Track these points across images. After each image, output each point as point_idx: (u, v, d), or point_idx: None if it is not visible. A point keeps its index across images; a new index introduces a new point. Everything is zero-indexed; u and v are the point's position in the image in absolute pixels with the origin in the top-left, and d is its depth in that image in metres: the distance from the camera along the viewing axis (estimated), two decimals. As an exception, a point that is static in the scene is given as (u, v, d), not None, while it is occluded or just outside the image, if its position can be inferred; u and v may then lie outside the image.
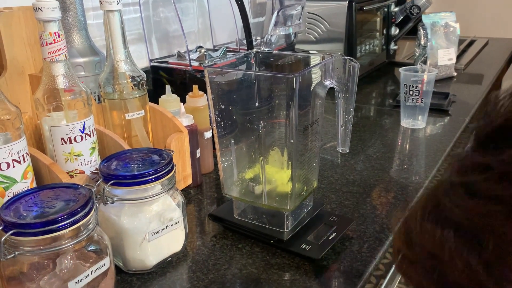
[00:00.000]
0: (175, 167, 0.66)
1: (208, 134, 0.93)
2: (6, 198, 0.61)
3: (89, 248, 0.56)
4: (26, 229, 0.50)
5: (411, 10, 1.74)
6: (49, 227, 0.50)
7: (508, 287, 0.29)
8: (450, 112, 1.29)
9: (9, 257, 0.50)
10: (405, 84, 1.16)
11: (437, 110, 1.28)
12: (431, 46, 1.58)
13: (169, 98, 0.89)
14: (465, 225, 0.31)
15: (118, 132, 0.81)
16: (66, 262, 0.53)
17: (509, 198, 0.28)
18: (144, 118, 0.82)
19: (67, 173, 0.69)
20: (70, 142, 0.69)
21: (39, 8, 0.62)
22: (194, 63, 1.10)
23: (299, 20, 1.30)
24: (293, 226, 0.71)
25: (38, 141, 0.77)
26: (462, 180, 0.32)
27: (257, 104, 0.68)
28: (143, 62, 1.20)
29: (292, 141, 0.64)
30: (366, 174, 0.93)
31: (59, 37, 0.64)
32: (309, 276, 0.64)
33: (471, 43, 2.17)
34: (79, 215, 0.52)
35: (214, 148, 0.80)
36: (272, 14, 1.21)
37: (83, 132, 0.69)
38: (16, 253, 0.50)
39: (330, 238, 0.69)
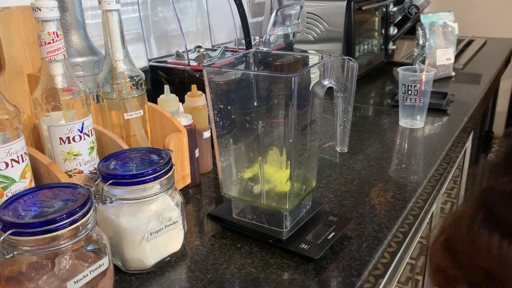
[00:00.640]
0: (173, 167, 0.66)
1: (207, 134, 0.93)
2: (5, 198, 0.60)
3: (88, 248, 0.56)
4: (25, 228, 0.50)
5: (409, 10, 1.74)
6: (48, 227, 0.50)
7: None
8: (449, 111, 1.30)
9: (7, 256, 0.50)
10: (403, 84, 1.16)
11: (435, 110, 1.28)
12: (430, 45, 1.58)
13: (167, 98, 0.89)
14: None
15: (117, 132, 0.81)
16: (64, 261, 0.53)
17: None
18: (142, 117, 0.82)
19: (66, 172, 0.69)
20: (69, 142, 0.68)
21: (37, 7, 0.62)
22: (193, 63, 1.10)
23: (298, 20, 1.30)
24: (292, 225, 0.71)
25: (36, 141, 0.77)
26: None
27: (255, 103, 0.68)
28: (141, 62, 1.20)
29: (290, 140, 0.64)
30: (364, 173, 0.93)
31: (57, 36, 0.64)
32: (308, 276, 0.64)
33: (470, 42, 2.17)
34: (77, 214, 0.52)
35: (213, 147, 0.80)
36: (271, 13, 1.22)
37: (81, 131, 0.69)
38: (14, 252, 0.50)
39: (328, 237, 0.69)
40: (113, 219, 0.63)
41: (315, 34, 1.56)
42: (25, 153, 0.63)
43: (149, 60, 1.17)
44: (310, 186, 0.74)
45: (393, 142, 1.11)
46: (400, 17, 1.79)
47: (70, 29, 0.86)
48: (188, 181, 0.86)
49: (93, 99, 0.87)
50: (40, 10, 0.62)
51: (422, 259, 1.31)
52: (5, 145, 0.60)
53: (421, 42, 1.62)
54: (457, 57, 1.81)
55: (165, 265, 0.67)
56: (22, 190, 0.61)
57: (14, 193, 0.61)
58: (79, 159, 0.70)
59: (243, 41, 1.14)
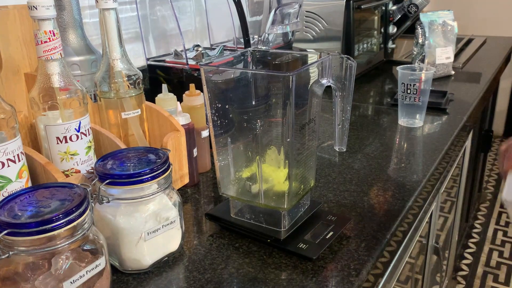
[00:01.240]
0: (171, 166, 0.66)
1: (205, 133, 0.92)
2: (1, 198, 0.60)
3: (85, 248, 0.55)
4: (21, 228, 0.49)
5: (409, 9, 1.74)
6: (44, 227, 0.49)
7: None
8: (448, 110, 1.29)
9: (3, 257, 0.50)
10: (402, 83, 1.16)
11: (434, 109, 1.28)
12: (429, 44, 1.58)
13: (165, 97, 0.89)
14: None
15: (114, 131, 0.80)
16: (61, 262, 0.52)
17: None
18: (140, 117, 0.82)
19: (63, 172, 0.69)
20: (66, 141, 0.68)
21: (33, 6, 0.62)
22: (191, 62, 1.09)
23: (297, 18, 1.29)
24: (290, 225, 0.70)
25: (33, 140, 0.77)
26: None
27: (254, 102, 0.68)
28: (140, 61, 1.20)
29: (289, 140, 0.64)
30: (363, 173, 0.93)
31: (54, 35, 0.64)
32: (306, 276, 0.63)
33: (469, 41, 2.17)
34: (74, 214, 0.52)
35: (211, 147, 0.80)
36: (270, 12, 1.21)
37: (78, 131, 0.69)
38: (10, 253, 0.50)
39: (327, 237, 0.69)
40: (110, 219, 0.62)
41: (314, 33, 1.56)
42: (21, 152, 0.63)
43: (148, 59, 1.17)
44: (308, 186, 0.73)
45: (392, 141, 1.11)
46: (399, 16, 1.78)
47: (67, 28, 0.86)
48: (186, 180, 0.86)
49: (91, 98, 0.86)
50: (36, 8, 0.62)
51: (421, 258, 1.30)
52: (1, 145, 0.59)
53: (420, 41, 1.62)
54: (456, 56, 1.81)
55: (162, 265, 0.67)
56: (18, 190, 0.61)
57: (11, 193, 0.61)
58: (76, 158, 0.70)
59: (242, 40, 1.14)
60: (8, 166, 0.61)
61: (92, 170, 0.71)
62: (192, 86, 0.91)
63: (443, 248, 1.61)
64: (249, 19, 1.38)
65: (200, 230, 0.76)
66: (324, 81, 0.69)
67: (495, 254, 2.26)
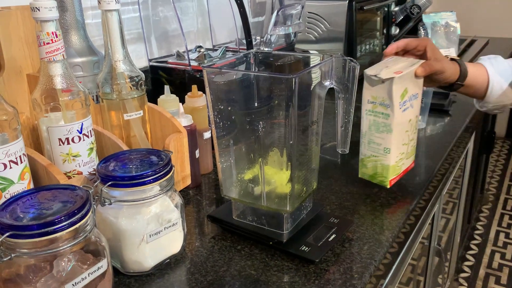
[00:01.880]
0: (173, 168, 0.66)
1: (207, 135, 0.92)
2: (3, 200, 0.60)
3: (87, 250, 0.55)
4: (23, 231, 0.49)
5: (411, 10, 1.74)
6: (46, 229, 0.49)
7: None
8: (451, 112, 1.29)
9: (5, 259, 0.50)
10: (405, 84, 1.15)
11: (437, 110, 1.28)
12: (432, 45, 1.57)
13: (168, 98, 0.88)
14: None
15: (117, 133, 0.80)
16: (63, 264, 0.52)
17: None
18: (142, 118, 0.81)
19: (65, 174, 0.68)
20: (68, 143, 0.68)
21: (36, 7, 0.62)
22: (193, 63, 1.09)
23: (299, 19, 1.29)
24: (293, 227, 0.70)
25: (35, 142, 0.77)
26: None
27: (256, 104, 0.68)
28: (142, 62, 1.20)
29: (291, 142, 0.63)
30: (366, 174, 0.93)
31: (56, 37, 0.64)
32: (308, 278, 0.63)
33: (472, 42, 2.16)
34: (76, 216, 0.52)
35: (213, 148, 0.80)
36: (272, 13, 1.21)
37: (81, 132, 0.69)
38: (12, 255, 0.50)
39: (329, 239, 0.69)
40: (112, 221, 0.62)
41: (316, 34, 1.55)
42: (23, 154, 0.63)
43: (150, 60, 1.17)
44: (311, 188, 0.73)
45: (395, 143, 1.10)
46: (402, 17, 1.78)
47: (70, 29, 0.86)
48: (188, 182, 0.86)
49: (93, 99, 0.86)
50: (39, 10, 0.62)
51: (423, 259, 1.30)
52: (3, 146, 0.59)
53: (423, 42, 1.61)
54: (459, 57, 1.80)
55: (164, 267, 0.67)
56: (20, 191, 0.61)
57: (13, 194, 0.61)
58: (78, 160, 0.70)
59: (244, 41, 1.13)
60: (10, 167, 0.61)
61: (94, 172, 0.71)
62: (194, 87, 0.91)
63: (445, 250, 1.61)
64: (251, 20, 1.38)
65: (202, 232, 0.76)
66: (327, 83, 0.69)
67: (497, 256, 2.25)
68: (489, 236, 2.41)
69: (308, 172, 0.71)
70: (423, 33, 1.61)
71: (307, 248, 0.67)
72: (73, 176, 0.70)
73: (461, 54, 1.90)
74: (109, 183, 0.61)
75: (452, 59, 0.91)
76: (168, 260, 0.67)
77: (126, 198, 0.62)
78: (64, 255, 0.52)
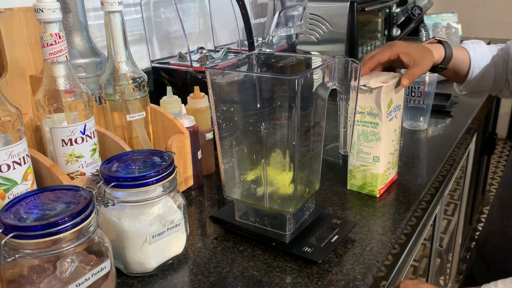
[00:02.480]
0: (176, 169, 0.66)
1: (209, 136, 0.92)
2: (7, 200, 0.60)
3: (90, 251, 0.55)
4: (27, 231, 0.49)
5: (412, 11, 1.74)
6: (50, 230, 0.49)
7: None
8: (452, 113, 1.29)
9: (9, 260, 0.50)
10: (407, 85, 1.15)
11: (439, 112, 1.28)
12: (433, 47, 1.57)
13: (170, 99, 0.89)
14: None
15: (119, 134, 0.80)
16: (66, 265, 0.52)
17: None
18: (145, 119, 0.82)
19: (68, 175, 0.69)
20: (71, 144, 0.68)
21: (39, 9, 0.62)
22: (195, 64, 1.09)
23: (301, 21, 1.29)
24: (295, 228, 0.70)
25: (38, 143, 0.77)
26: None
27: (258, 105, 0.68)
28: (144, 63, 1.20)
29: (294, 143, 0.63)
30: (368, 175, 0.93)
31: (60, 38, 0.64)
32: (311, 279, 0.63)
33: (473, 44, 2.16)
34: (79, 217, 0.52)
35: (215, 149, 0.80)
36: (274, 15, 1.21)
37: (84, 133, 0.69)
38: (16, 256, 0.50)
39: (332, 240, 0.69)
40: (115, 222, 0.62)
41: (318, 35, 1.56)
42: (27, 155, 0.63)
43: (152, 62, 1.17)
44: (313, 189, 0.73)
45: (397, 144, 1.10)
46: (403, 18, 1.78)
47: (73, 31, 0.86)
48: (191, 183, 0.86)
49: (96, 100, 0.87)
50: (42, 11, 0.62)
51: (425, 261, 1.30)
52: (7, 147, 0.59)
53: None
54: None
55: (167, 268, 0.67)
56: (24, 192, 0.61)
57: (16, 195, 0.61)
58: (81, 161, 0.70)
59: (246, 42, 1.14)
60: (14, 168, 0.61)
61: (97, 173, 0.71)
62: (196, 88, 0.91)
63: (446, 251, 1.61)
64: (253, 21, 1.38)
65: (205, 233, 0.76)
66: (329, 84, 0.69)
67: (498, 257, 2.24)
68: (491, 238, 2.40)
69: (310, 173, 0.71)
70: (424, 34, 1.61)
71: (309, 249, 0.67)
72: (76, 177, 0.70)
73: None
74: (112, 184, 0.61)
75: (439, 41, 0.91)
76: (171, 261, 0.67)
77: (129, 199, 0.62)
78: (67, 256, 0.52)
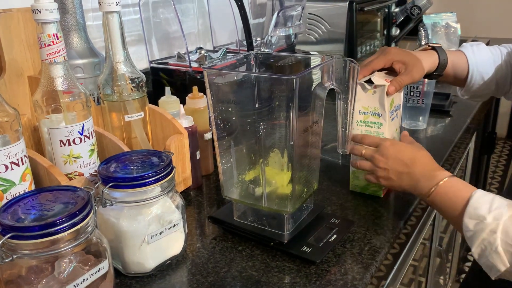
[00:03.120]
0: (174, 169, 0.66)
1: (208, 136, 0.92)
2: (5, 201, 0.60)
3: (88, 251, 0.55)
4: (24, 232, 0.49)
5: (411, 11, 1.74)
6: (48, 230, 0.49)
7: None
8: (451, 113, 1.29)
9: (7, 260, 0.50)
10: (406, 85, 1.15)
11: (438, 111, 1.28)
12: (432, 46, 1.57)
13: (168, 100, 0.89)
14: None
15: (118, 134, 0.80)
16: (64, 265, 0.52)
17: None
18: (143, 119, 0.82)
19: (66, 175, 0.69)
20: (69, 144, 0.68)
21: (37, 9, 0.62)
22: (194, 64, 1.09)
23: (300, 21, 1.29)
24: (294, 228, 0.70)
25: (37, 143, 0.77)
26: None
27: (257, 105, 0.68)
28: (143, 64, 1.20)
29: (292, 142, 0.63)
30: (367, 175, 0.93)
31: (57, 38, 0.64)
32: (310, 279, 0.63)
33: (472, 43, 2.16)
34: (77, 218, 0.52)
35: (214, 149, 0.80)
36: (272, 15, 1.21)
37: (82, 134, 0.69)
38: (14, 256, 0.50)
39: (330, 240, 0.69)
40: (113, 222, 0.62)
41: (317, 35, 1.56)
42: (25, 155, 0.63)
43: (151, 62, 1.17)
44: (311, 188, 0.73)
45: (396, 144, 1.10)
46: (402, 18, 1.78)
47: (71, 31, 0.86)
48: (189, 183, 0.86)
49: (94, 101, 0.87)
50: (40, 12, 0.62)
51: (425, 260, 1.30)
52: (5, 148, 0.59)
53: (423, 43, 1.61)
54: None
55: (165, 268, 0.67)
56: (22, 193, 0.61)
57: (14, 196, 0.61)
58: (80, 161, 0.70)
59: (245, 43, 1.14)
60: (12, 169, 0.61)
61: (96, 173, 0.71)
62: (195, 88, 0.91)
63: (446, 251, 1.61)
64: (252, 21, 1.38)
65: (203, 233, 0.76)
66: (327, 84, 0.69)
67: (498, 257, 2.24)
68: (491, 237, 2.40)
69: (309, 173, 0.71)
70: (423, 34, 1.61)
71: (308, 249, 0.67)
72: (74, 178, 0.70)
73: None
74: (110, 184, 0.61)
75: (432, 48, 0.90)
76: (169, 261, 0.67)
77: (127, 199, 0.62)
78: (65, 256, 0.52)
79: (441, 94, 1.37)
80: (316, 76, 0.69)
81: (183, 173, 0.83)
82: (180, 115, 0.87)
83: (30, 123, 0.76)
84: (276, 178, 0.68)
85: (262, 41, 1.24)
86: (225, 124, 0.69)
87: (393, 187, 0.77)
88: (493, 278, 0.63)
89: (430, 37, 1.57)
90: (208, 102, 0.69)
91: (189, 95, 0.91)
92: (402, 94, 0.85)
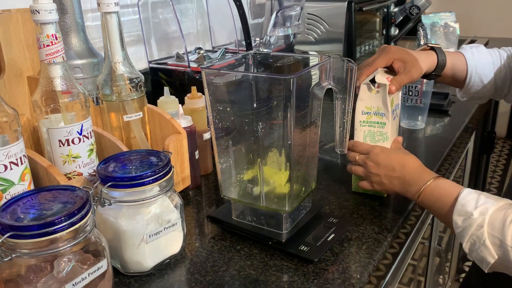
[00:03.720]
0: (173, 169, 0.66)
1: (206, 136, 0.93)
2: (4, 201, 0.60)
3: (87, 250, 0.55)
4: (24, 231, 0.49)
5: (410, 11, 1.74)
6: (47, 229, 0.50)
7: None
8: (450, 112, 1.29)
9: (6, 259, 0.50)
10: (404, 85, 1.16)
11: (436, 111, 1.28)
12: (431, 46, 1.58)
13: (167, 100, 0.89)
14: None
15: (116, 134, 0.81)
16: (63, 264, 0.53)
17: None
18: (142, 119, 0.82)
19: (65, 175, 0.69)
20: (68, 144, 0.68)
21: (36, 10, 0.62)
22: (193, 65, 1.09)
23: (298, 21, 1.29)
24: (292, 227, 0.70)
25: (36, 143, 0.77)
26: None
27: (255, 105, 0.68)
28: (142, 64, 1.20)
29: (290, 142, 0.64)
30: (365, 175, 0.93)
31: (56, 39, 0.64)
32: (308, 278, 0.63)
33: (471, 43, 2.16)
34: (76, 217, 0.52)
35: (213, 149, 0.80)
36: (271, 15, 1.21)
37: (81, 134, 0.69)
38: (13, 255, 0.50)
39: (328, 239, 0.69)
40: (112, 222, 0.62)
41: (315, 35, 1.56)
42: (24, 155, 0.63)
43: (150, 62, 1.17)
44: (309, 188, 0.73)
45: (394, 143, 1.11)
46: (401, 18, 1.78)
47: (70, 32, 0.86)
48: (188, 183, 0.86)
49: (93, 101, 0.87)
50: (38, 12, 0.62)
51: (424, 260, 1.30)
52: (4, 148, 0.60)
53: (422, 42, 1.62)
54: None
55: (164, 267, 0.67)
56: (21, 192, 0.61)
57: (13, 195, 0.61)
58: (78, 161, 0.70)
59: (244, 43, 1.14)
60: (11, 169, 0.61)
61: (94, 173, 0.71)
62: (193, 88, 0.92)
63: (445, 250, 1.61)
64: (250, 21, 1.39)
65: (202, 233, 0.76)
66: (325, 84, 0.69)
67: (498, 256, 2.24)
68: (490, 236, 2.40)
69: (307, 172, 0.71)
70: (422, 34, 1.61)
71: (306, 247, 0.67)
72: (73, 177, 0.70)
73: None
74: (109, 183, 0.61)
75: (431, 48, 0.90)
76: (168, 260, 0.67)
77: (126, 198, 0.62)
78: (64, 255, 0.53)
79: (439, 93, 1.37)
80: (315, 76, 0.69)
81: (181, 173, 0.84)
82: (179, 115, 0.87)
83: (29, 123, 0.77)
84: (274, 177, 0.68)
85: (261, 41, 1.25)
86: (224, 124, 0.69)
87: (386, 191, 0.79)
88: (485, 271, 0.65)
89: (429, 37, 1.58)
90: (207, 102, 0.69)
91: (188, 95, 0.92)
92: (400, 93, 0.85)
